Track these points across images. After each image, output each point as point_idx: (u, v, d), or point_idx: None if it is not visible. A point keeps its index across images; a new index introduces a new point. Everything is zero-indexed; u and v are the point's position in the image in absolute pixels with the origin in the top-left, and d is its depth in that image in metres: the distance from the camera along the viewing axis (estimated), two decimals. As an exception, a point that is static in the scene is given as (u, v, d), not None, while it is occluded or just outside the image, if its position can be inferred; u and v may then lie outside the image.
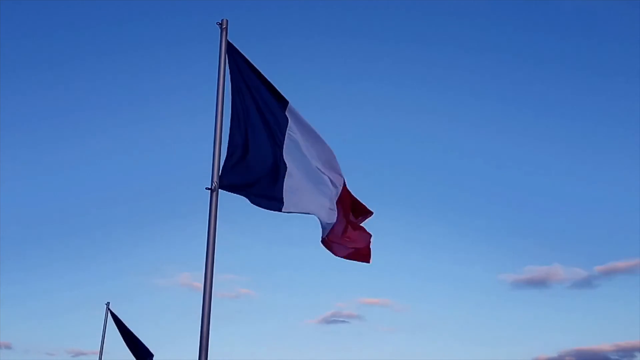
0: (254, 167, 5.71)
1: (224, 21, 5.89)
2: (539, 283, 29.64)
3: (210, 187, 5.46)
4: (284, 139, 5.73)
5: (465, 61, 32.87)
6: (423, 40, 33.19)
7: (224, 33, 5.84)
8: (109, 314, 14.55)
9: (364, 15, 32.87)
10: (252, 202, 5.68)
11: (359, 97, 32.19)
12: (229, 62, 5.81)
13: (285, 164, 5.68)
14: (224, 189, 5.52)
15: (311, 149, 5.75)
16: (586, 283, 28.63)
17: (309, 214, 5.66)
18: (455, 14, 32.83)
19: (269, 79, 5.82)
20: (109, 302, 14.69)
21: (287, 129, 5.73)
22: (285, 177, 5.64)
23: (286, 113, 5.76)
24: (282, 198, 5.60)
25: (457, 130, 32.62)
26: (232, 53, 5.83)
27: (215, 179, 5.49)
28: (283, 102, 5.78)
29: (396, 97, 32.37)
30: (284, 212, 5.60)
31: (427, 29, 33.46)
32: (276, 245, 27.92)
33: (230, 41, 5.84)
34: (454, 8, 32.65)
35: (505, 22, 33.00)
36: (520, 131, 32.93)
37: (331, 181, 5.73)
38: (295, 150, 5.73)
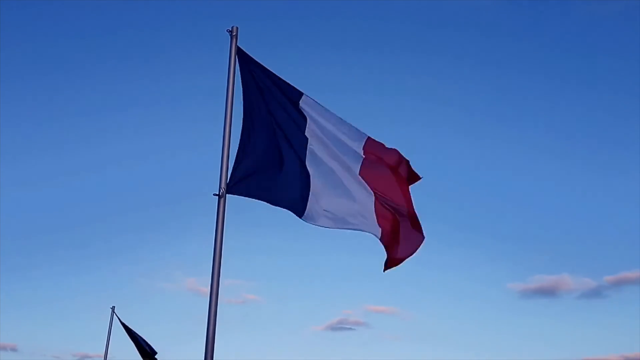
0: (267, 170, 5.69)
1: (234, 28, 5.90)
2: (547, 293, 29.54)
3: (217, 193, 5.48)
4: (306, 142, 5.71)
5: (472, 73, 32.91)
6: (429, 52, 33.25)
7: (234, 40, 5.86)
8: (115, 317, 14.62)
9: (374, 25, 32.96)
10: (268, 202, 5.64)
11: (369, 106, 32.24)
12: (240, 69, 5.81)
13: (307, 168, 5.65)
14: (232, 194, 5.53)
15: (334, 142, 5.68)
16: (595, 293, 28.54)
17: (333, 227, 5.59)
18: (466, 27, 32.89)
19: (281, 77, 5.81)
20: (114, 306, 14.77)
21: (307, 126, 5.70)
22: (311, 182, 5.62)
23: (300, 107, 5.71)
24: (306, 205, 5.56)
25: (466, 141, 32.62)
26: (243, 59, 5.83)
27: (223, 185, 5.50)
28: (297, 96, 5.74)
29: (406, 108, 32.43)
30: (303, 220, 5.54)
31: (436, 41, 33.53)
32: (283, 251, 27.95)
33: (241, 47, 5.87)
34: (463, 21, 32.70)
35: (517, 36, 33.01)
36: (531, 142, 32.94)
37: (361, 185, 5.62)
38: (318, 154, 5.69)
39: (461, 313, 28.35)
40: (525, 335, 27.21)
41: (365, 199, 5.60)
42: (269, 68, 5.85)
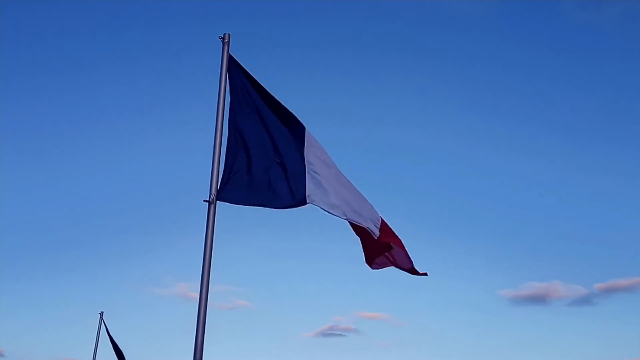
0: (256, 178, 5.71)
1: (226, 35, 5.94)
2: (538, 300, 29.66)
3: (208, 199, 5.50)
4: (303, 149, 5.77)
5: (470, 76, 33.10)
6: (425, 53, 33.43)
7: (226, 47, 5.89)
8: (103, 323, 14.59)
9: (370, 29, 33.11)
10: (259, 206, 5.65)
11: (362, 110, 32.37)
12: (230, 76, 5.85)
13: (302, 175, 5.71)
14: (222, 201, 5.56)
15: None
16: (585, 301, 28.68)
17: (334, 214, 5.58)
18: (458, 27, 33.11)
19: (272, 93, 5.87)
20: (102, 312, 14.75)
21: (302, 150, 5.77)
22: (306, 180, 5.66)
23: (305, 139, 5.82)
24: (305, 195, 5.58)
25: (458, 146, 32.78)
26: (234, 67, 5.87)
27: (214, 191, 5.52)
28: (299, 127, 5.82)
29: (398, 111, 32.57)
30: (308, 203, 5.54)
31: (430, 43, 33.71)
32: (274, 257, 27.92)
33: (233, 55, 5.89)
34: (462, 24, 32.92)
35: (513, 38, 33.26)
36: (522, 148, 33.13)
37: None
38: (312, 169, 5.75)
39: (452, 320, 28.41)
40: (516, 342, 27.29)
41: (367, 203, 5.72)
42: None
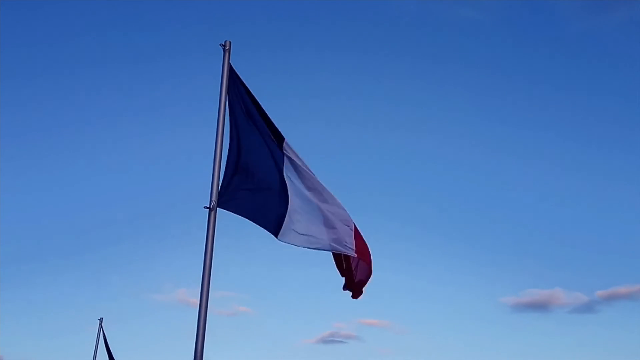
0: (254, 188, 5.77)
1: (227, 43, 5.98)
2: (540, 307, 29.60)
3: (208, 206, 5.52)
4: (283, 170, 5.78)
5: (471, 81, 33.16)
6: (427, 57, 33.52)
7: (227, 54, 5.93)
8: (101, 330, 14.61)
9: (370, 32, 33.20)
10: (251, 220, 5.71)
11: (364, 114, 32.43)
12: (229, 85, 5.88)
13: (287, 190, 5.72)
14: (222, 208, 5.58)
15: (310, 189, 5.82)
16: (587, 308, 28.61)
17: (305, 247, 5.68)
18: (459, 32, 33.23)
19: (266, 110, 5.89)
20: (102, 318, 14.75)
21: (284, 165, 5.79)
22: (289, 204, 5.68)
23: (283, 150, 5.81)
24: (282, 224, 5.62)
25: (459, 151, 32.81)
26: (234, 77, 5.91)
27: (214, 198, 5.54)
28: (279, 138, 5.82)
29: (400, 115, 32.62)
30: (279, 239, 5.61)
31: (432, 47, 33.82)
32: (275, 263, 27.85)
33: (232, 65, 5.92)
34: (458, 27, 33.04)
35: (507, 41, 33.37)
36: (524, 154, 33.15)
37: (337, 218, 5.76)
38: (293, 183, 5.78)
39: (453, 326, 28.36)
40: (517, 350, 27.22)
41: (343, 227, 5.73)
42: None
